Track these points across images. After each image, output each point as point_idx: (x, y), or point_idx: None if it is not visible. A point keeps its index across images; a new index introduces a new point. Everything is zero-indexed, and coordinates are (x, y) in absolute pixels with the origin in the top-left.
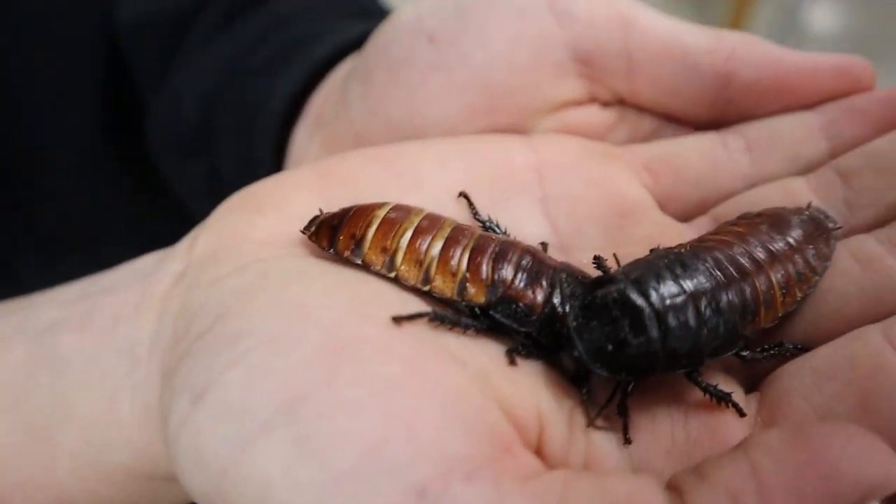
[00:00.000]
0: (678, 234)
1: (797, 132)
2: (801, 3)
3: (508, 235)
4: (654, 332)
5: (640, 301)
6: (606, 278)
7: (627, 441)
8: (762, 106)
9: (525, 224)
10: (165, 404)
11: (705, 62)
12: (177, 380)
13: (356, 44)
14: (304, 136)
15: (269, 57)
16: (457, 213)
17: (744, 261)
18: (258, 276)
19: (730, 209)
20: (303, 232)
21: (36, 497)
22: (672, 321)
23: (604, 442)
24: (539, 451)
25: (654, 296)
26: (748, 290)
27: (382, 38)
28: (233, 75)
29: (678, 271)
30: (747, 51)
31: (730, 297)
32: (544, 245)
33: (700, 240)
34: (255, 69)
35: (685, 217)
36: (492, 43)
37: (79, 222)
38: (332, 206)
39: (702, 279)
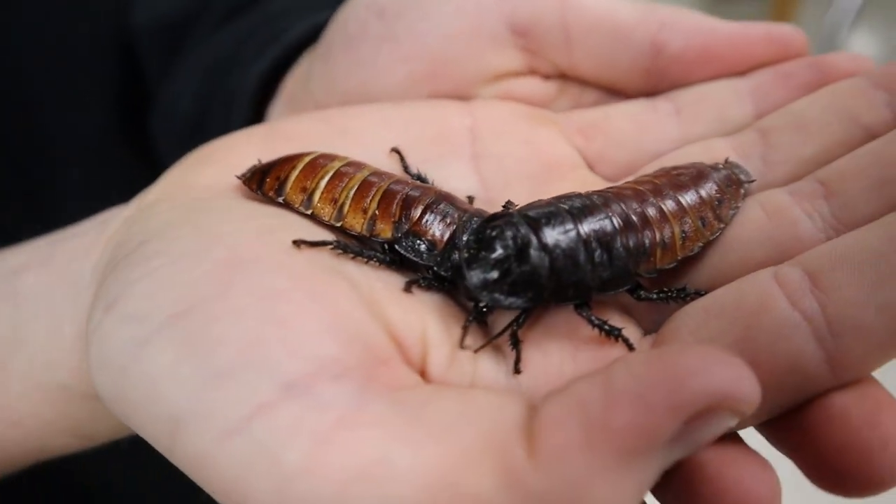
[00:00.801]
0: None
1: (725, 96)
2: (840, 27)
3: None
4: (539, 262)
5: (526, 232)
6: (501, 213)
7: (517, 371)
8: (694, 74)
9: (456, 180)
10: (89, 320)
11: (637, 34)
12: (98, 294)
13: (324, 25)
14: (275, 115)
15: (253, 49)
16: (392, 168)
17: (644, 204)
18: (186, 209)
19: (655, 169)
20: (238, 177)
21: None
22: (558, 253)
23: (494, 371)
24: (423, 373)
25: (543, 229)
26: (644, 232)
27: (341, 16)
28: (221, 70)
29: (574, 211)
30: (677, 22)
31: (624, 236)
32: (471, 198)
33: (611, 188)
34: (240, 61)
35: (615, 177)
36: (434, 15)
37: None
38: (275, 155)
39: (596, 218)
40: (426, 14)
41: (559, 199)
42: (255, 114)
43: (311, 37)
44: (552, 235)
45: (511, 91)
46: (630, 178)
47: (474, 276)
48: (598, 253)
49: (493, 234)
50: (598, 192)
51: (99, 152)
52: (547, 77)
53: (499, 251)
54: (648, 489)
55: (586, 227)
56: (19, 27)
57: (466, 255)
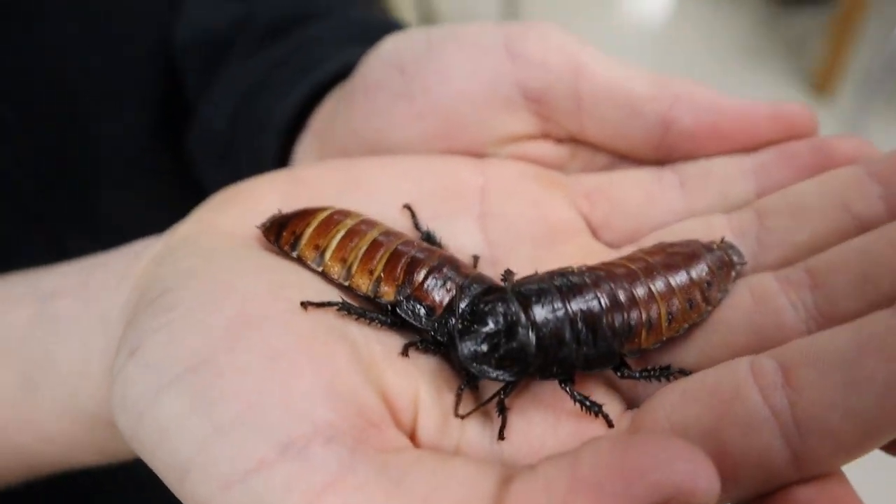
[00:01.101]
0: (602, 258)
1: (729, 173)
2: None
3: (442, 246)
4: (526, 340)
5: (516, 310)
6: (496, 288)
7: (501, 437)
8: (702, 150)
9: (463, 237)
10: (115, 361)
11: (649, 108)
12: (124, 338)
13: (354, 66)
14: (303, 149)
15: (285, 78)
16: (402, 223)
17: (633, 284)
18: (205, 259)
19: (656, 240)
20: (258, 227)
21: (21, 434)
22: (545, 331)
23: (479, 436)
24: (413, 436)
25: (532, 307)
26: (631, 312)
27: (365, 65)
28: (254, 94)
29: (564, 289)
30: (689, 98)
31: (609, 317)
32: (476, 258)
33: (604, 263)
34: (271, 88)
35: (617, 244)
36: (450, 77)
37: (132, 222)
38: (295, 206)
39: (584, 298)
40: (443, 75)
41: (552, 274)
42: (284, 143)
43: (342, 73)
44: (541, 314)
45: (524, 152)
46: (627, 251)
47: (465, 348)
48: (584, 333)
49: (486, 308)
50: (590, 269)
51: (141, 160)
52: (559, 141)
53: (489, 326)
54: None
55: (574, 306)
56: (71, 39)
57: (460, 326)
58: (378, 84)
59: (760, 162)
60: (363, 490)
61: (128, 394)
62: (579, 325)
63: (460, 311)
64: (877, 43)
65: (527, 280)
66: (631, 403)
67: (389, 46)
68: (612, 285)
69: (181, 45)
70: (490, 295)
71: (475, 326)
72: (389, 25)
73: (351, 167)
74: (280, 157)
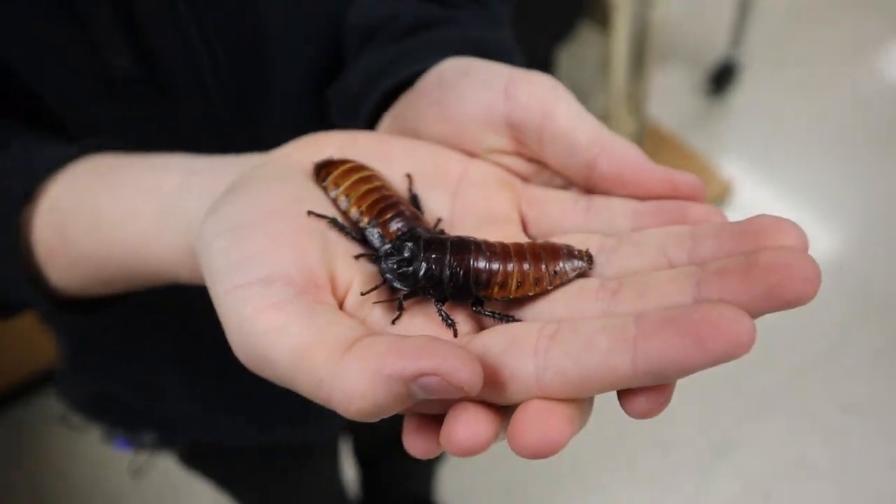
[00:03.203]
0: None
1: (620, 209)
2: None
3: (419, 206)
4: (418, 267)
5: (418, 250)
6: (414, 232)
7: (393, 323)
8: (611, 190)
9: (435, 204)
10: (205, 215)
11: (582, 152)
12: (213, 204)
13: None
14: (384, 122)
15: (394, 68)
16: (401, 185)
17: (505, 257)
18: (273, 173)
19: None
20: (313, 163)
21: (150, 247)
22: (430, 265)
23: (379, 320)
24: (341, 305)
25: (427, 249)
26: (490, 271)
27: (427, 75)
28: (374, 74)
29: (454, 245)
30: (612, 150)
31: (476, 272)
32: (439, 220)
33: (493, 241)
34: (384, 73)
35: (536, 237)
36: (465, 98)
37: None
38: (342, 156)
39: (463, 253)
40: (462, 95)
41: (455, 237)
42: (376, 116)
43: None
44: (431, 255)
45: (502, 161)
46: (522, 242)
47: (384, 263)
48: (454, 273)
49: (403, 243)
50: (482, 240)
51: (302, 105)
52: (529, 160)
53: (399, 255)
54: (403, 405)
55: (455, 257)
56: (270, 6)
57: (387, 250)
58: (427, 91)
59: (641, 208)
60: (292, 312)
61: (203, 233)
62: (454, 269)
63: (391, 242)
64: None
65: (437, 235)
66: (482, 328)
67: (445, 65)
68: (487, 253)
69: (348, 26)
70: (408, 236)
71: (394, 252)
72: (497, 44)
73: (388, 141)
74: (372, 120)
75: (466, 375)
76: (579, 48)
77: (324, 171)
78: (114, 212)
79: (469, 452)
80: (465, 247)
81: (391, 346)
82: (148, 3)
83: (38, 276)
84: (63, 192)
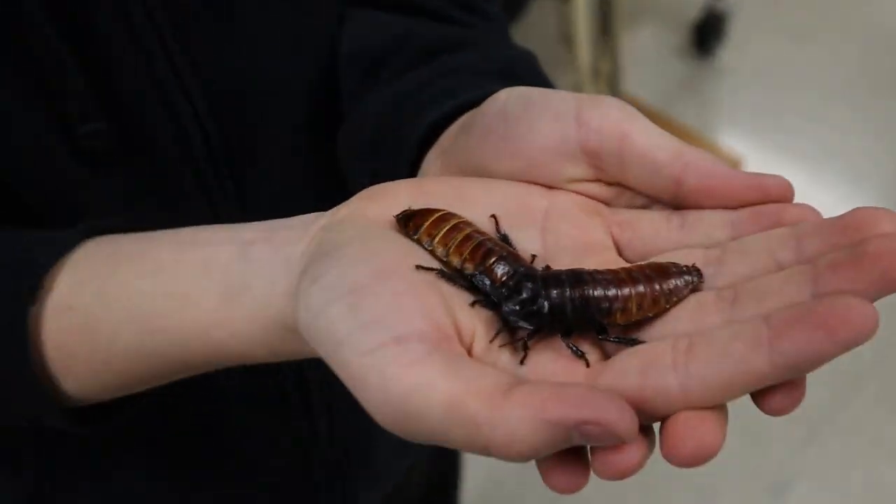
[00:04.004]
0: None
1: (715, 221)
2: None
3: (511, 245)
4: (542, 305)
5: (538, 287)
6: (530, 272)
7: (521, 363)
8: (701, 203)
9: (526, 243)
10: (299, 285)
11: (667, 170)
12: (307, 272)
13: (482, 100)
14: (430, 161)
15: (427, 98)
16: (488, 227)
17: (618, 283)
18: (361, 232)
19: (655, 259)
20: (394, 217)
21: (222, 331)
22: (553, 302)
23: (508, 363)
24: (469, 353)
25: (547, 286)
26: (612, 299)
27: (483, 107)
28: (400, 106)
29: (571, 279)
30: (697, 164)
31: (597, 301)
32: (534, 256)
33: (603, 269)
34: (416, 105)
35: (633, 260)
36: (536, 131)
37: (280, 205)
38: (417, 206)
39: (582, 286)
40: (531, 128)
41: (569, 270)
42: (418, 153)
43: (475, 101)
44: (553, 291)
45: (582, 189)
46: (627, 266)
47: (505, 306)
48: (577, 306)
49: (521, 284)
50: (593, 270)
51: (292, 150)
52: (609, 184)
53: (522, 295)
54: (559, 447)
55: (576, 291)
56: (254, 36)
57: (505, 293)
58: (489, 126)
59: (737, 217)
60: (434, 366)
61: (310, 303)
62: (576, 302)
63: (507, 284)
64: None
65: (551, 271)
66: (608, 356)
67: (502, 97)
68: (604, 281)
69: (345, 53)
70: (525, 277)
71: (514, 294)
72: (521, 61)
73: (460, 184)
74: (413, 163)
75: (626, 426)
76: (535, 22)
77: (411, 223)
78: (159, 298)
79: (627, 474)
80: (582, 278)
81: (553, 393)
82: (125, 68)
83: (53, 387)
84: (75, 285)
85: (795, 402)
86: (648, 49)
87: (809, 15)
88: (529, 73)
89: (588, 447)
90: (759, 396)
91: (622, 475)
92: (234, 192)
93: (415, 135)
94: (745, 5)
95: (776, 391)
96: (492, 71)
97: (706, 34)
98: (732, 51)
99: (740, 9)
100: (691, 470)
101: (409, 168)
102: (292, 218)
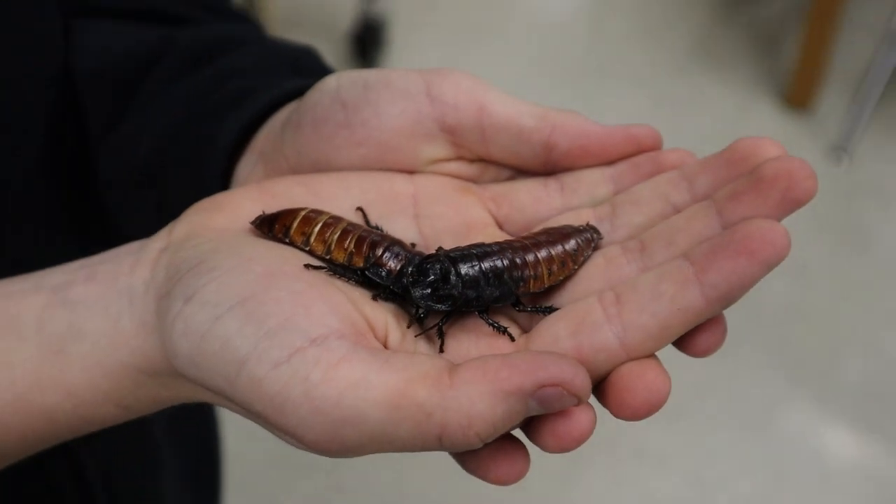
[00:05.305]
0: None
1: (595, 179)
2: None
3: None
4: (455, 284)
5: (448, 266)
6: (433, 254)
7: (441, 351)
8: (576, 164)
9: (402, 232)
10: (163, 312)
11: (534, 136)
12: (172, 294)
13: (291, 95)
14: (247, 167)
15: (221, 102)
16: (356, 221)
17: (525, 251)
18: (221, 241)
19: (540, 228)
20: (251, 223)
21: (49, 392)
22: (467, 279)
23: (427, 350)
24: (385, 346)
25: (458, 264)
26: (522, 267)
27: (311, 98)
28: (187, 116)
29: (478, 253)
30: (565, 125)
31: (508, 271)
32: (414, 244)
33: (506, 241)
34: (208, 111)
35: (515, 234)
36: (383, 114)
37: (23, 263)
38: (269, 210)
39: (491, 258)
40: (377, 112)
41: (471, 246)
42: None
43: (277, 103)
44: (464, 268)
45: (444, 169)
46: (522, 235)
47: (416, 292)
48: (491, 280)
49: (428, 266)
50: (497, 243)
51: (34, 191)
52: (471, 161)
53: (431, 277)
54: (514, 423)
55: (486, 264)
56: None
57: (411, 279)
58: (323, 118)
59: (616, 171)
60: (364, 362)
61: (190, 326)
62: (489, 275)
63: (411, 270)
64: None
65: (454, 249)
66: (524, 329)
67: (333, 84)
68: (511, 251)
69: (84, 77)
70: (430, 259)
71: (421, 278)
72: (305, 55)
73: (309, 181)
74: (224, 174)
75: (581, 383)
76: None
77: (277, 226)
78: None
79: (581, 441)
80: (489, 250)
81: (503, 363)
82: None
83: None
84: None
85: (721, 338)
86: None
87: (466, 15)
88: (318, 65)
89: (521, 432)
90: (685, 341)
91: (576, 442)
92: None
93: (223, 143)
94: (401, 11)
95: (702, 331)
96: (279, 67)
97: (366, 43)
98: (401, 52)
99: (395, 15)
100: None
101: (222, 180)
102: (103, 253)
